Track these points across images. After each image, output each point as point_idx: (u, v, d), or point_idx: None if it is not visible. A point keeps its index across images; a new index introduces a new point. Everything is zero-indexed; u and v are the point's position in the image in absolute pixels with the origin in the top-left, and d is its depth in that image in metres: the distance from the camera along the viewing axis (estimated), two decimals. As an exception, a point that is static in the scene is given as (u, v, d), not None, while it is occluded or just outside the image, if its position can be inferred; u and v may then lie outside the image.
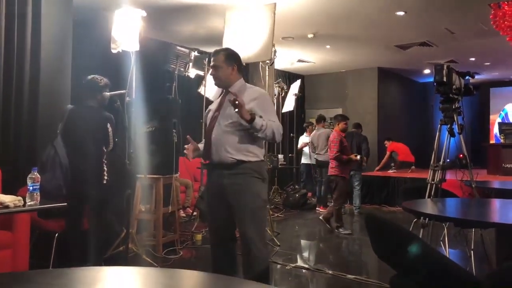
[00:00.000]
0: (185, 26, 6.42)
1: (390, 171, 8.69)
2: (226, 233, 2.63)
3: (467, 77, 3.90)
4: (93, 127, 3.27)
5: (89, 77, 3.40)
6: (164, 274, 1.52)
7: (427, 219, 3.37)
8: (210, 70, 2.67)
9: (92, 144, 3.25)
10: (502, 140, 8.89)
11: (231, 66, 2.61)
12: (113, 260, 3.82)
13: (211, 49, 6.99)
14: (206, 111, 2.77)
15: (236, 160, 2.47)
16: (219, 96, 2.76)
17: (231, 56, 2.64)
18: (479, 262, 3.61)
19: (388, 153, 8.93)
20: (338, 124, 5.78)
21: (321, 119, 7.43)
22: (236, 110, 2.32)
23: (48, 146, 3.17)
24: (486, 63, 9.23)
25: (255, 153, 2.53)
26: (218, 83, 2.67)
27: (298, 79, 9.14)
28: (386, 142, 9.11)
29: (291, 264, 4.01)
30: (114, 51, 3.80)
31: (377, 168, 9.08)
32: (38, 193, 2.47)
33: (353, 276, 3.63)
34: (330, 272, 3.79)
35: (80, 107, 3.36)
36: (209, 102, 4.51)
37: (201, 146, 2.67)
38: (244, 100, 2.40)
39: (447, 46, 7.57)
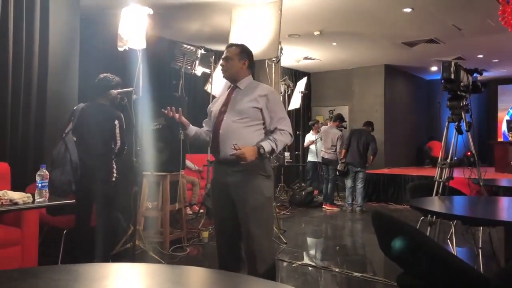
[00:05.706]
0: (191, 24, 6.42)
1: (426, 166, 9.99)
2: (232, 230, 2.61)
3: (475, 74, 3.86)
4: (102, 124, 3.29)
5: (102, 75, 3.43)
6: (171, 270, 1.52)
7: (434, 217, 3.35)
8: (221, 61, 2.65)
9: (101, 141, 3.27)
10: (510, 138, 8.83)
11: (242, 61, 2.60)
12: (120, 257, 3.84)
13: (217, 47, 7.11)
14: (211, 107, 2.73)
15: None
16: (227, 90, 2.73)
17: (244, 51, 2.64)
18: (487, 260, 3.59)
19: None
20: None
21: (337, 118, 7.33)
22: (243, 162, 2.32)
23: (59, 142, 3.19)
24: (494, 60, 9.13)
25: None
26: (226, 75, 2.63)
27: (304, 76, 9.13)
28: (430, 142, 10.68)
29: (297, 262, 4.01)
30: (120, 49, 3.81)
31: None
32: (47, 190, 2.50)
33: (360, 274, 3.62)
34: (337, 269, 3.78)
35: (92, 105, 3.38)
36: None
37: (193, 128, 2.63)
38: (252, 95, 2.49)
39: (455, 43, 7.50)
